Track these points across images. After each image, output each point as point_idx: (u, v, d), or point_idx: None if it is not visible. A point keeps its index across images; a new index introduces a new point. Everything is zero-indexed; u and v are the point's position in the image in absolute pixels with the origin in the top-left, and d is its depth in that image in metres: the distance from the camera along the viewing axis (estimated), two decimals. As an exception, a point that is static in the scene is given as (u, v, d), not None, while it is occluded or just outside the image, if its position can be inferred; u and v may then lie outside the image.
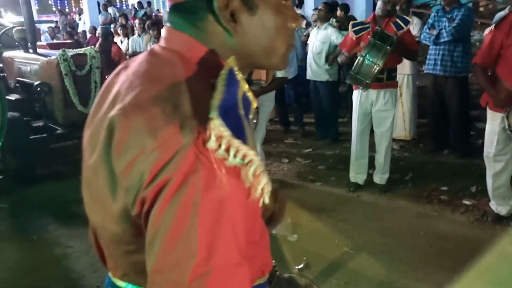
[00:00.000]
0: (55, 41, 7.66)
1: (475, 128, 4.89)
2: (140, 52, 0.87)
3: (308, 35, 6.67)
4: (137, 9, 15.16)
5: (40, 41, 7.76)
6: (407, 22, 3.49)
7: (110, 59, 6.76)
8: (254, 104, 0.67)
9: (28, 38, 4.80)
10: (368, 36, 3.35)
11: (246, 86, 0.64)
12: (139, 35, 7.28)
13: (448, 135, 4.60)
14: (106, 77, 4.78)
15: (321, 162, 4.68)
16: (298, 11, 12.85)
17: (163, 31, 0.73)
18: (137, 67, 0.69)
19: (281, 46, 0.72)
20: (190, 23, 0.68)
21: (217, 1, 0.65)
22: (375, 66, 3.24)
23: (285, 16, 0.71)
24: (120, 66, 0.76)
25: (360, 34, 3.54)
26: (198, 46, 0.68)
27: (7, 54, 5.19)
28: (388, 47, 3.19)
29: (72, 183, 4.20)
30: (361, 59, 3.26)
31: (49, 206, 3.85)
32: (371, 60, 3.24)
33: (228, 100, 0.57)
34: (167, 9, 0.77)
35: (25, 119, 4.43)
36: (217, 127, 0.53)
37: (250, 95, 0.65)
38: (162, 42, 0.72)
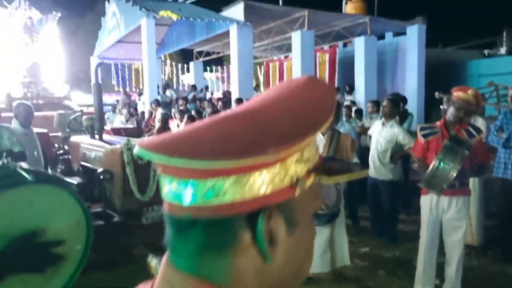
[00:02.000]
0: (117, 126, 8.07)
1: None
2: None
3: (362, 127, 6.66)
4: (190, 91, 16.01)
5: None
6: (479, 131, 3.38)
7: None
8: None
9: (95, 126, 5.04)
10: (445, 140, 3.27)
11: None
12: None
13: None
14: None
15: (381, 266, 4.38)
16: (348, 97, 13.10)
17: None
18: None
19: (308, 267, 0.62)
20: (214, 251, 0.55)
21: (263, 217, 0.54)
22: (452, 171, 3.11)
23: (313, 231, 0.62)
24: None
25: (428, 138, 3.45)
26: None
27: (74, 138, 5.45)
28: (466, 151, 3.09)
29: (123, 272, 4.18)
30: (437, 162, 3.15)
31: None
32: (447, 164, 3.12)
33: None
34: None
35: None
36: None
37: None
38: None
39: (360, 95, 12.66)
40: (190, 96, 14.00)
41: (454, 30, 24.08)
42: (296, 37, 12.15)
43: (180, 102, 10.51)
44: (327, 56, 14.36)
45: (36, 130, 5.42)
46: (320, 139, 4.12)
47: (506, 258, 4.35)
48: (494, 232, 4.82)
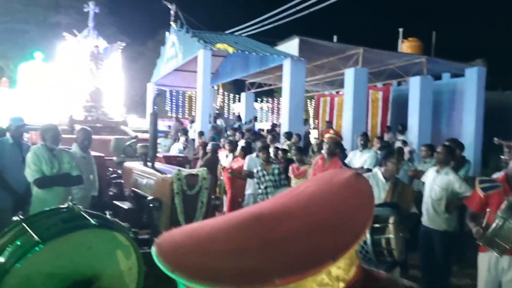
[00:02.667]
0: (174, 153, 8.30)
1: None
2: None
3: (415, 170, 6.42)
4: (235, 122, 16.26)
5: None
6: None
7: (215, 174, 7.06)
8: None
9: (149, 153, 5.18)
10: (509, 197, 3.07)
11: None
12: (257, 156, 6.87)
13: None
14: (212, 196, 4.84)
15: (430, 322, 4.12)
16: (401, 137, 12.77)
17: None
18: None
19: None
20: None
21: None
22: None
23: None
24: None
25: (489, 192, 3.26)
26: None
27: (127, 164, 5.63)
28: None
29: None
30: (501, 221, 2.95)
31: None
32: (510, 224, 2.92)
33: None
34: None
35: (133, 229, 4.60)
36: None
37: None
38: None
39: (413, 136, 12.32)
40: (235, 126, 14.23)
41: (515, 73, 23.09)
42: (349, 74, 12.11)
43: (230, 132, 10.66)
44: (380, 94, 14.17)
45: (93, 153, 5.67)
46: (383, 184, 4.03)
47: None
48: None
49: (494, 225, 2.99)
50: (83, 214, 1.87)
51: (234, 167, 7.03)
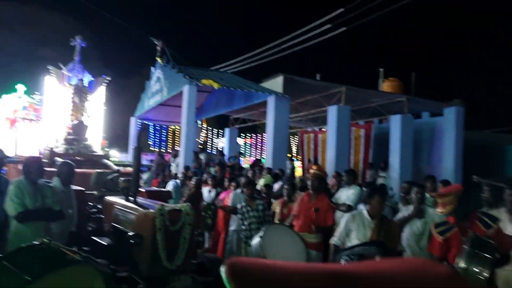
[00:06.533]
0: (151, 188, 8.16)
1: None
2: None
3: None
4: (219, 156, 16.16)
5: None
6: (495, 220, 3.20)
7: (198, 210, 6.95)
8: None
9: (131, 188, 5.08)
10: (464, 246, 3.03)
11: None
12: (242, 192, 6.77)
13: None
14: (195, 232, 4.75)
15: None
16: (383, 174, 12.88)
17: None
18: None
19: None
20: None
21: None
22: (481, 277, 2.86)
23: None
24: None
25: (446, 235, 3.29)
26: None
27: (108, 198, 5.50)
28: (490, 256, 2.85)
29: None
30: (461, 272, 2.91)
31: None
32: (474, 271, 2.86)
33: None
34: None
35: (111, 266, 4.44)
36: None
37: None
38: None
39: (395, 173, 12.45)
40: (216, 161, 14.16)
41: (491, 114, 23.88)
42: (332, 111, 12.31)
43: (215, 168, 10.60)
44: (362, 132, 14.39)
45: (73, 187, 5.54)
46: (368, 222, 4.01)
47: None
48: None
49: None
50: (63, 251, 1.80)
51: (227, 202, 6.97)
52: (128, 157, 17.17)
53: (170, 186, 8.97)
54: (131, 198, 5.12)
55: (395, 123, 12.85)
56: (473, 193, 8.19)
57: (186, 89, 12.22)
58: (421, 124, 14.24)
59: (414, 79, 18.30)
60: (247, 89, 12.56)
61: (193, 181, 7.77)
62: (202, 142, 21.99)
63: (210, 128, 25.00)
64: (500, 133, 18.34)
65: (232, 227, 6.76)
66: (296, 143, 19.99)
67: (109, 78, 12.23)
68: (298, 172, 16.37)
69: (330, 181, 7.85)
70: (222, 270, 0.53)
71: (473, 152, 12.87)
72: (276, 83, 12.87)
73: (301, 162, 18.07)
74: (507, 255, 3.33)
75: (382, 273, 0.59)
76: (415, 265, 0.63)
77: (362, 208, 4.30)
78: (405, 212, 5.20)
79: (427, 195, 5.75)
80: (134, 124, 18.86)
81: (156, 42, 18.21)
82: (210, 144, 24.16)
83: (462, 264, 2.91)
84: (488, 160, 13.57)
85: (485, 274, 2.85)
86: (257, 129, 24.40)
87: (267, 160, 12.24)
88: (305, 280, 0.55)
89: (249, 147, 26.52)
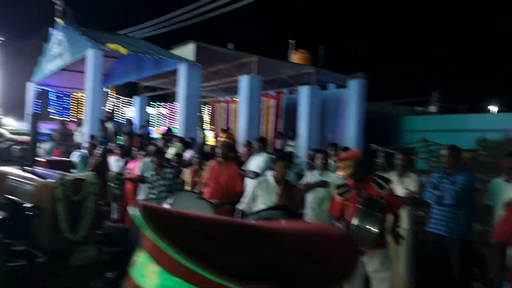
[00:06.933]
0: (52, 157, 7.61)
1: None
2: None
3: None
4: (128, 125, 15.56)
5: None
6: (388, 181, 3.58)
7: (105, 180, 6.67)
8: None
9: (27, 158, 4.73)
10: (358, 205, 3.35)
11: None
12: (151, 161, 6.54)
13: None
14: (100, 202, 4.59)
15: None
16: (291, 143, 13.37)
17: None
18: None
19: None
20: None
21: None
22: (371, 233, 3.21)
23: None
24: None
25: (345, 196, 3.60)
26: None
27: (1, 169, 5.07)
28: (379, 214, 3.22)
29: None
30: (355, 229, 3.23)
31: None
32: (365, 229, 3.22)
33: None
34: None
35: (5, 241, 4.14)
36: None
37: None
38: None
39: (302, 141, 12.99)
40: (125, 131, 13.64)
41: (392, 86, 25.80)
42: (244, 80, 12.39)
43: (124, 137, 10.19)
44: (273, 102, 14.72)
45: (-41, 157, 5.00)
46: (274, 188, 4.14)
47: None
48: (425, 284, 4.95)
49: (351, 231, 3.27)
50: None
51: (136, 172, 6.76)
52: (25, 126, 15.79)
53: (75, 156, 8.47)
54: (27, 168, 4.77)
55: (303, 94, 13.32)
56: (370, 158, 8.89)
57: (90, 53, 11.45)
58: (328, 95, 14.94)
59: (322, 52, 18.96)
60: (157, 56, 12.12)
61: (99, 150, 7.42)
62: (109, 111, 20.93)
63: (119, 96, 23.84)
64: (398, 105, 19.92)
65: (141, 196, 6.62)
66: (209, 113, 19.91)
67: (2, 39, 11.02)
68: (211, 141, 16.39)
69: (241, 149, 7.98)
70: (135, 212, 0.52)
71: (373, 123, 13.87)
72: (187, 51, 12.57)
73: (213, 132, 18.09)
74: (398, 215, 3.69)
75: (287, 231, 0.63)
76: (314, 227, 0.69)
77: (269, 174, 4.44)
78: (310, 177, 5.47)
79: (330, 161, 6.10)
80: (31, 90, 17.33)
81: (56, 1, 16.69)
82: (119, 113, 23.11)
83: (356, 222, 3.19)
84: (387, 130, 14.74)
85: (374, 230, 3.16)
86: (168, 98, 23.82)
87: (179, 129, 12.07)
88: (218, 223, 0.57)
89: (160, 117, 25.87)
